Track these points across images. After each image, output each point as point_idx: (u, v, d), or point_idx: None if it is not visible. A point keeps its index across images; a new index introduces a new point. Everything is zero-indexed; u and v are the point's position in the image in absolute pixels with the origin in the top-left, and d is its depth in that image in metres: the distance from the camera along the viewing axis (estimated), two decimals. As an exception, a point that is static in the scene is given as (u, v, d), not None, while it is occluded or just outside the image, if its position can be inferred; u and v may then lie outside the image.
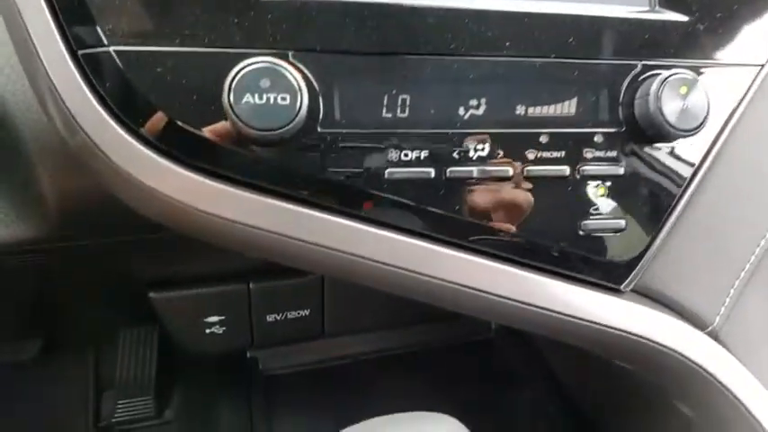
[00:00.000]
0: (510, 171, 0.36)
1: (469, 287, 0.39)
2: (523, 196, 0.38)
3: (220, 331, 0.57)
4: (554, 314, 0.41)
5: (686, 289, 0.45)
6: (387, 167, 0.32)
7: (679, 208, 0.43)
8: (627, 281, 0.43)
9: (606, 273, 0.42)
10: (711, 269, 0.46)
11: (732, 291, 0.46)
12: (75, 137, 0.28)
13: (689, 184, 0.42)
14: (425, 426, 0.29)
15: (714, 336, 0.45)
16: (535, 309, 0.40)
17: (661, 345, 0.43)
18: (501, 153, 0.35)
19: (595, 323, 0.41)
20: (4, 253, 0.43)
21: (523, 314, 0.41)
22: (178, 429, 0.60)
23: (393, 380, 0.55)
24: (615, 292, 0.43)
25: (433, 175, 0.35)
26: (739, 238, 0.47)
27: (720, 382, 0.44)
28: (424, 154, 0.34)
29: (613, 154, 0.38)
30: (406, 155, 0.34)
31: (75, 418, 1.20)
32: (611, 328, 0.42)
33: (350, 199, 0.33)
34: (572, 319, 0.41)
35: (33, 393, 1.18)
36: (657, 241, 0.43)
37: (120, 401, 1.26)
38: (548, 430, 0.60)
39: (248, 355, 0.66)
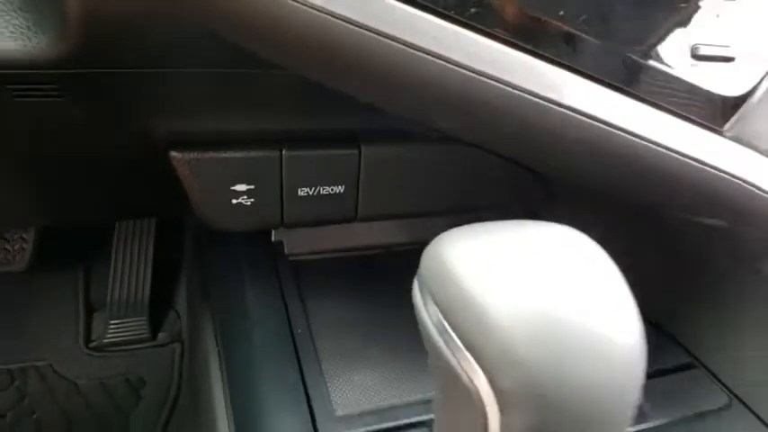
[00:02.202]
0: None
1: (575, 109, 0.34)
2: None
3: (248, 203, 0.52)
4: (656, 147, 0.36)
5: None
6: None
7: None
8: (731, 121, 0.38)
9: (710, 110, 0.38)
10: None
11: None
12: None
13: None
14: (541, 228, 0.24)
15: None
16: (640, 140, 0.35)
17: (763, 191, 0.39)
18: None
19: (704, 163, 0.37)
20: (16, 75, 0.37)
21: (627, 148, 0.36)
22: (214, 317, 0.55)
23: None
24: (715, 132, 0.38)
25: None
26: None
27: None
28: None
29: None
30: None
31: (64, 336, 1.19)
32: (712, 167, 0.37)
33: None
34: (672, 154, 0.36)
35: (22, 308, 1.17)
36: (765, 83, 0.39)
37: (113, 321, 1.25)
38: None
39: (273, 239, 0.60)
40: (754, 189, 0.38)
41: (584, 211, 0.60)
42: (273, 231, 0.61)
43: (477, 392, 0.21)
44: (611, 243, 0.63)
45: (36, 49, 0.37)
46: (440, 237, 0.24)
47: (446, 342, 0.22)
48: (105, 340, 1.19)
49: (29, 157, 0.53)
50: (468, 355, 0.21)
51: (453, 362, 0.21)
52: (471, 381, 0.21)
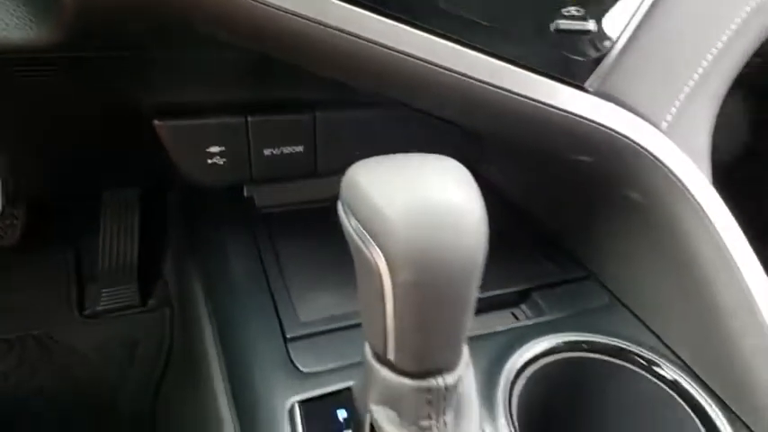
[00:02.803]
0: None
1: (453, 70, 0.44)
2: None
3: (221, 162, 0.62)
4: (533, 102, 0.47)
5: (641, 94, 0.52)
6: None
7: (638, 18, 0.49)
8: (590, 78, 0.49)
9: (573, 70, 0.48)
10: (664, 78, 0.53)
11: (681, 95, 0.53)
12: None
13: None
14: (429, 161, 0.34)
15: (665, 133, 0.52)
16: (516, 96, 0.46)
17: (622, 135, 0.50)
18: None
19: (567, 111, 0.48)
20: (21, 59, 0.46)
21: (504, 103, 0.47)
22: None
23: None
24: (581, 89, 0.50)
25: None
26: (690, 52, 0.53)
27: (668, 168, 0.51)
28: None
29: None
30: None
31: (58, 307, 1.25)
32: (581, 117, 0.49)
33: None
34: (546, 108, 0.47)
35: (15, 283, 1.21)
36: (619, 45, 0.49)
37: (104, 290, 1.32)
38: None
39: (245, 194, 0.71)
40: (611, 132, 0.49)
41: (507, 160, 0.72)
42: (245, 187, 0.71)
43: (377, 266, 0.31)
44: (526, 181, 0.76)
45: (37, 37, 0.45)
46: (352, 166, 0.35)
47: (360, 238, 0.32)
48: (99, 308, 1.27)
49: (30, 130, 0.62)
50: (372, 242, 0.32)
51: (365, 251, 0.32)
52: (375, 260, 0.32)
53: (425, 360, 0.34)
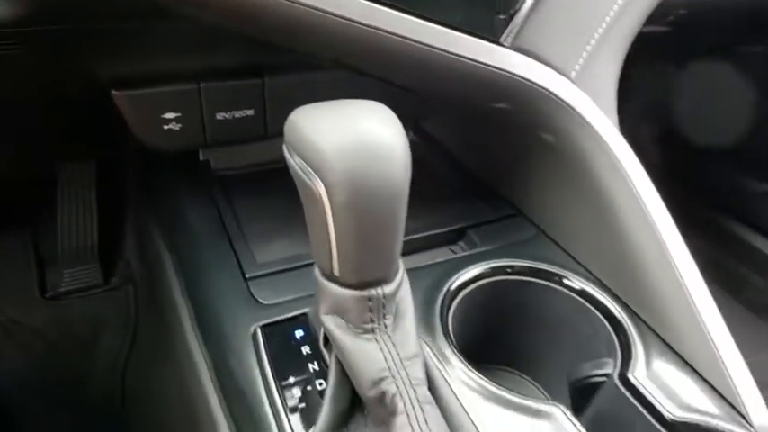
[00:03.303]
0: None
1: (389, 32, 0.50)
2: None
3: (177, 127, 0.66)
4: (456, 57, 0.53)
5: (551, 47, 0.58)
6: None
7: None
8: (504, 34, 0.56)
9: (489, 27, 0.55)
10: (571, 32, 0.60)
11: (587, 48, 0.60)
12: None
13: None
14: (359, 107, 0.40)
15: (573, 81, 0.60)
16: (442, 53, 0.52)
17: (535, 84, 0.57)
18: None
19: (485, 64, 0.54)
20: None
21: (434, 59, 0.53)
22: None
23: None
24: (497, 44, 0.56)
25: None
26: (594, 6, 0.60)
27: (577, 112, 0.58)
28: None
29: None
30: None
31: (20, 291, 1.25)
32: (497, 68, 0.55)
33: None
34: (467, 61, 0.54)
35: None
36: (528, 2, 0.56)
37: (66, 270, 1.31)
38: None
39: (201, 158, 0.75)
40: (524, 81, 0.56)
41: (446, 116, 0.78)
42: (201, 152, 0.76)
43: (319, 193, 0.37)
44: (463, 134, 0.84)
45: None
46: (293, 112, 0.40)
47: (303, 171, 0.38)
48: (61, 289, 1.27)
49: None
50: (313, 173, 0.38)
51: (308, 182, 0.38)
52: (316, 188, 0.38)
53: (365, 273, 0.40)
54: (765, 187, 1.72)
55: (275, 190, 0.63)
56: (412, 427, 0.37)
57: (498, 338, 0.60)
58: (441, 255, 0.65)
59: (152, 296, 0.80)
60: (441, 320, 0.52)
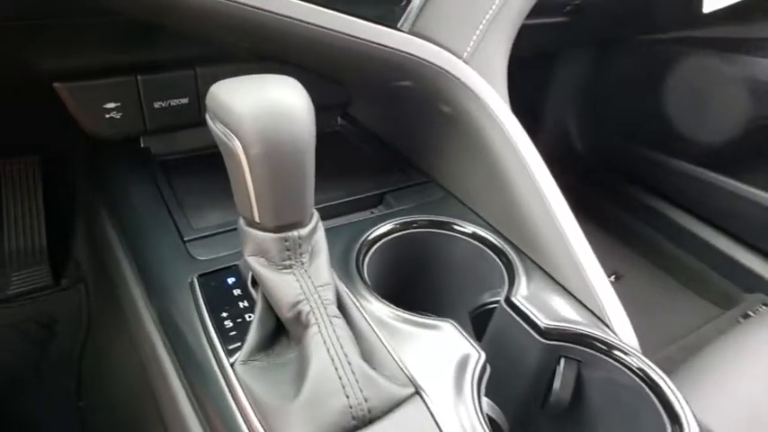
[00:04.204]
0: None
1: (305, 21, 0.59)
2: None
3: (118, 116, 0.73)
4: (363, 41, 0.62)
5: (445, 30, 0.67)
6: None
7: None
8: (401, 20, 0.65)
9: (388, 15, 0.64)
10: (462, 17, 0.69)
11: (477, 32, 0.70)
12: None
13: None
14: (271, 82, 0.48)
15: (466, 62, 0.69)
16: (354, 38, 0.61)
17: (431, 63, 0.66)
18: None
19: (387, 46, 0.63)
20: None
21: (344, 44, 0.61)
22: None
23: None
24: (397, 29, 0.65)
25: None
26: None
27: (470, 88, 0.68)
28: None
29: None
30: None
31: None
32: (398, 50, 0.64)
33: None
34: (372, 44, 0.63)
35: None
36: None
37: (14, 274, 1.31)
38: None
39: (142, 146, 0.82)
40: (422, 61, 0.66)
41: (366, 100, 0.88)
42: (141, 139, 0.82)
43: (236, 149, 0.45)
44: (382, 115, 0.94)
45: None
46: (213, 85, 0.48)
47: (223, 134, 0.46)
48: (10, 292, 1.29)
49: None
50: (231, 133, 0.45)
51: (227, 141, 0.45)
52: (234, 146, 0.45)
53: (281, 218, 0.48)
54: (689, 168, 1.88)
55: (210, 170, 0.70)
56: (322, 334, 0.45)
57: (412, 286, 0.69)
58: (363, 216, 0.73)
59: (102, 270, 0.85)
60: (356, 267, 0.60)
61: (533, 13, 0.76)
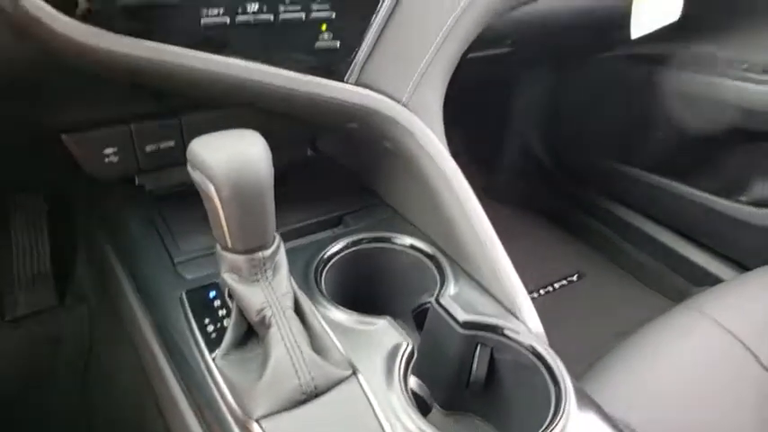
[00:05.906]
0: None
1: (259, 81, 0.73)
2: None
3: (115, 159, 0.86)
4: (316, 94, 0.76)
5: (386, 80, 0.81)
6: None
7: (373, 30, 0.78)
8: (347, 74, 0.79)
9: (335, 70, 0.78)
10: (399, 68, 0.83)
11: (413, 80, 0.84)
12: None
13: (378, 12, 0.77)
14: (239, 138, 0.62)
15: (404, 105, 0.83)
16: (300, 92, 0.75)
17: (374, 109, 0.80)
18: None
19: (335, 98, 0.77)
20: None
21: (293, 97, 0.75)
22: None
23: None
24: (343, 82, 0.79)
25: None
26: (417, 48, 0.83)
27: (407, 128, 0.82)
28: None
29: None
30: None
31: None
32: (344, 101, 0.78)
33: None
34: (323, 97, 0.77)
35: None
36: (362, 50, 0.79)
37: (24, 295, 1.44)
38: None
39: (137, 183, 0.96)
40: (366, 108, 0.80)
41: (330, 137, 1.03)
42: (136, 177, 0.96)
43: (211, 192, 0.59)
44: (343, 147, 1.09)
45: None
46: (192, 141, 0.62)
47: (201, 180, 0.59)
48: (19, 313, 1.41)
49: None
50: (207, 181, 0.59)
51: (204, 187, 0.59)
52: (209, 190, 0.59)
53: (248, 243, 0.61)
54: (642, 174, 2.02)
55: (195, 202, 0.84)
56: (280, 332, 0.59)
57: (364, 293, 0.82)
58: (324, 235, 0.88)
59: (103, 289, 0.98)
60: (315, 281, 0.74)
61: (477, 46, 0.90)
